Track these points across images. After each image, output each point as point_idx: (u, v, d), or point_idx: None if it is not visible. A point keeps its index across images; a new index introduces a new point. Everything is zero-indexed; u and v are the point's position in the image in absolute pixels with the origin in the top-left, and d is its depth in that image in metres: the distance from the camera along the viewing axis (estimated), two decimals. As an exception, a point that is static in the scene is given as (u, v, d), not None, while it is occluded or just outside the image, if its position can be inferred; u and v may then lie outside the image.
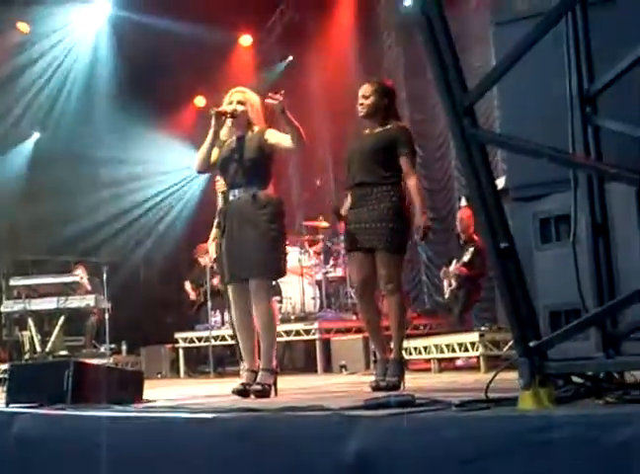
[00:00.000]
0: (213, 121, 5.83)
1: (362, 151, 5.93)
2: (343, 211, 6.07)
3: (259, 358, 5.74)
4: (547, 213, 3.75)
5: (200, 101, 15.42)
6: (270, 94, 5.60)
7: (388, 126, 5.95)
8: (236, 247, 5.78)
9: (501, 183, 4.44)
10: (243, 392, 5.57)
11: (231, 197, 5.87)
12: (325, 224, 11.52)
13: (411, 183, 5.86)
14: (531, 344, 2.97)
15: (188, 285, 12.82)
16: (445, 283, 10.62)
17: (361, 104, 5.98)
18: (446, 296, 10.62)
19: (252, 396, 5.52)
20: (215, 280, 10.97)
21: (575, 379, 3.24)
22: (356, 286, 6.13)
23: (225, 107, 5.90)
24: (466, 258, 10.05)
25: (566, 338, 3.04)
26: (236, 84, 6.36)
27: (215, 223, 6.61)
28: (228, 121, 5.90)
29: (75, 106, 14.34)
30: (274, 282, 10.42)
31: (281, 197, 6.02)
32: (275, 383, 5.71)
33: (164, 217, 15.59)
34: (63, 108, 14.35)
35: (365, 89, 6.00)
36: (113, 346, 12.00)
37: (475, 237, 9.88)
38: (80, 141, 13.99)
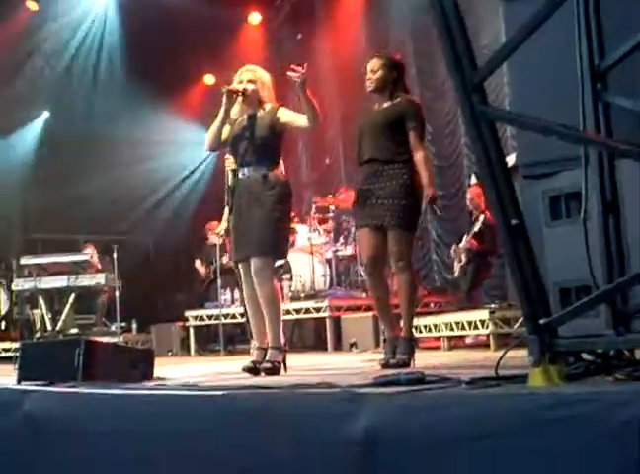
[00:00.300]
0: (224, 100, 5.83)
1: (373, 127, 5.91)
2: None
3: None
4: (557, 191, 3.74)
5: (209, 79, 15.38)
6: (292, 66, 5.56)
7: (397, 100, 5.93)
8: (243, 225, 5.79)
9: (510, 160, 4.43)
10: (253, 370, 5.59)
11: (240, 176, 5.87)
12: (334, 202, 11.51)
13: (418, 155, 5.82)
14: (542, 321, 2.97)
15: (198, 263, 12.83)
16: (456, 262, 10.60)
17: (370, 78, 5.97)
18: (456, 274, 10.61)
19: (262, 374, 5.54)
20: (225, 259, 10.98)
21: (585, 357, 3.24)
22: (365, 263, 6.11)
23: (236, 85, 5.89)
24: (476, 228, 10.03)
25: (576, 315, 3.04)
26: (244, 62, 6.34)
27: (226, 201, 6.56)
28: (239, 99, 5.89)
29: (84, 85, 14.33)
30: (284, 261, 10.44)
31: (289, 178, 6.02)
32: (284, 361, 5.72)
33: (175, 196, 15.60)
34: (72, 86, 14.33)
35: (374, 63, 5.98)
36: (123, 324, 12.04)
37: (487, 213, 9.87)
38: (89, 120, 13.98)
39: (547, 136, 3.06)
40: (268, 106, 5.90)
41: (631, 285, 3.09)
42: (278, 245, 5.80)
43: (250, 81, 5.90)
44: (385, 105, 5.96)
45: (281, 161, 5.95)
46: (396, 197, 5.74)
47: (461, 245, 10.36)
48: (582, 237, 3.21)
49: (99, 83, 14.33)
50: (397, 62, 6.13)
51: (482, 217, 9.94)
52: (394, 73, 5.98)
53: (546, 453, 2.50)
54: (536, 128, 3.14)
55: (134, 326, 12.56)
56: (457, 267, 10.49)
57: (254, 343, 6.02)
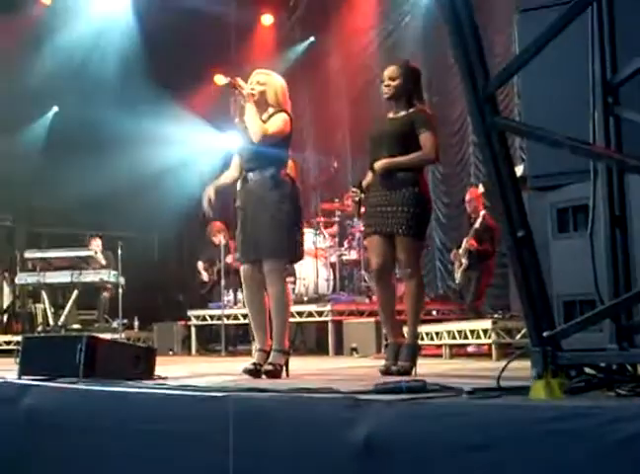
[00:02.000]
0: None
1: (385, 135, 5.89)
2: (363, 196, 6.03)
3: (271, 338, 5.75)
4: (565, 203, 3.74)
5: (219, 79, 15.36)
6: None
7: (411, 110, 5.91)
8: (248, 228, 5.79)
9: (519, 171, 4.43)
10: (254, 372, 5.58)
11: (247, 180, 5.87)
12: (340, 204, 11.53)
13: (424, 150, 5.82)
14: (545, 333, 2.97)
15: (200, 265, 12.79)
16: (456, 266, 10.58)
17: (388, 85, 5.93)
18: (458, 280, 10.59)
19: (263, 376, 5.53)
20: (229, 259, 10.98)
21: (588, 371, 3.24)
22: (373, 270, 6.10)
23: (245, 86, 5.90)
24: (476, 226, 10.06)
25: (580, 328, 3.04)
26: (256, 63, 6.36)
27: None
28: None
29: (95, 81, 14.28)
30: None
31: (294, 178, 5.99)
32: (286, 364, 5.72)
33: (181, 194, 15.55)
34: (83, 82, 14.28)
35: (392, 71, 5.94)
36: (125, 321, 12.02)
37: (485, 214, 9.93)
38: (96, 118, 13.93)
39: (557, 149, 3.05)
40: (271, 110, 5.90)
41: (636, 301, 3.09)
42: (288, 246, 5.78)
43: (259, 83, 5.90)
44: (400, 114, 5.93)
45: (289, 163, 5.94)
46: (405, 204, 5.73)
47: (461, 247, 10.35)
48: (588, 250, 3.21)
49: (109, 81, 14.28)
50: (415, 71, 6.09)
51: (480, 218, 9.98)
52: (411, 82, 5.96)
53: (542, 467, 2.49)
54: (547, 141, 3.13)
55: (136, 323, 12.55)
56: (459, 272, 10.47)
57: (255, 344, 6.01)
